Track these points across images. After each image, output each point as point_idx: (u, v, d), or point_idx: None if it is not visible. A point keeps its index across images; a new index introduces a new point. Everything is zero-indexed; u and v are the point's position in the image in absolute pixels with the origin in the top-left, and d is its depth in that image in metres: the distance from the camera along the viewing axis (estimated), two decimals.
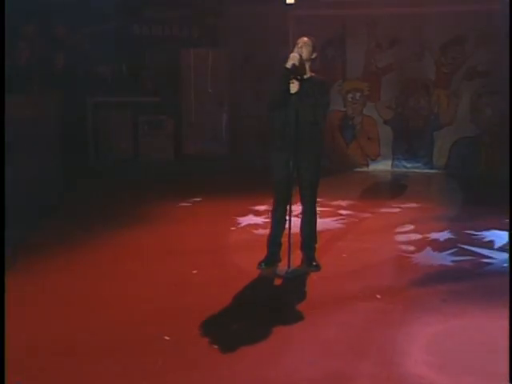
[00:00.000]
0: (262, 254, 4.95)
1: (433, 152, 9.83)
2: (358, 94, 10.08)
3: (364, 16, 9.78)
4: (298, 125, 4.62)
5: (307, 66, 4.73)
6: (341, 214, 6.88)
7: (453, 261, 5.20)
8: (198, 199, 7.69)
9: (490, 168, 9.31)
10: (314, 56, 4.77)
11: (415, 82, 9.81)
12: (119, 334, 3.77)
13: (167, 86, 10.28)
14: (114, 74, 10.41)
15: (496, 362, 3.32)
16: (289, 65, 4.55)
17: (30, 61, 8.72)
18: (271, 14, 9.63)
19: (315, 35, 4.96)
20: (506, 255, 5.25)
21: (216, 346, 3.57)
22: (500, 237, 5.78)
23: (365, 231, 6.27)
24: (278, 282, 4.75)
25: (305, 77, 4.68)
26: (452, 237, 5.90)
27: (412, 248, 5.58)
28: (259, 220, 6.44)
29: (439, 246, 5.61)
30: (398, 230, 6.22)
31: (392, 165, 10.05)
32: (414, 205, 7.36)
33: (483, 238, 5.85)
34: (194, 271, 4.93)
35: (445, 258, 5.27)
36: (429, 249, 5.54)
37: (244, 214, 6.76)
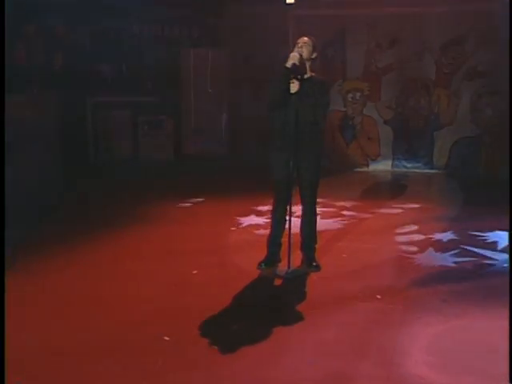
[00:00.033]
0: (262, 254, 4.95)
1: (433, 152, 9.82)
2: (358, 94, 10.07)
3: (364, 16, 9.78)
4: (298, 125, 4.61)
5: (307, 65, 4.72)
6: (341, 215, 6.87)
7: (454, 261, 5.19)
8: (199, 199, 7.67)
9: (490, 168, 9.30)
10: (314, 56, 4.77)
11: (415, 82, 9.80)
12: (119, 333, 3.77)
13: (167, 86, 10.27)
14: (114, 74, 10.41)
15: (496, 362, 3.32)
16: (289, 64, 4.55)
17: (29, 61, 8.72)
18: (271, 14, 9.63)
19: (315, 35, 4.95)
20: (507, 256, 5.24)
21: (216, 346, 3.57)
22: (503, 238, 5.74)
23: (365, 231, 6.26)
24: (278, 282, 4.75)
25: (305, 77, 4.67)
26: (454, 237, 5.89)
27: (412, 248, 5.57)
28: (261, 220, 6.43)
29: (441, 247, 5.60)
30: (399, 230, 6.21)
31: (392, 165, 10.04)
32: (414, 205, 7.34)
33: (486, 238, 5.83)
34: (194, 271, 4.92)
35: (446, 259, 5.26)
36: (430, 249, 5.53)
37: (246, 215, 6.75)
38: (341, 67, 10.05)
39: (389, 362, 3.41)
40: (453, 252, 5.42)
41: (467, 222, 6.41)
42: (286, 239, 4.81)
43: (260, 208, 6.90)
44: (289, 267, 4.80)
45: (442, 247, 5.59)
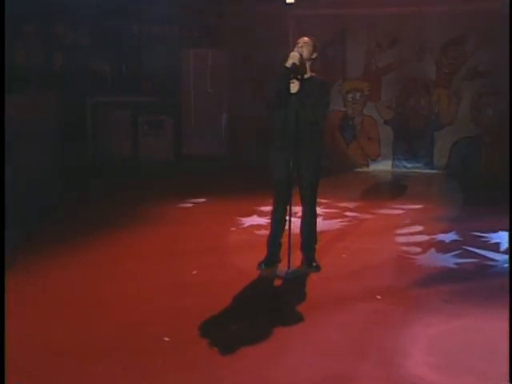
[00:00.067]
0: (262, 254, 4.94)
1: (433, 152, 9.82)
2: (358, 94, 10.07)
3: (364, 16, 9.77)
4: (298, 125, 4.61)
5: (307, 65, 4.71)
6: (341, 215, 6.86)
7: (455, 262, 5.17)
8: (199, 200, 7.67)
9: (491, 168, 9.29)
10: (314, 56, 4.76)
11: (415, 82, 9.80)
12: (119, 334, 3.77)
13: (167, 86, 10.27)
14: (114, 74, 10.41)
15: (497, 362, 3.31)
16: (289, 64, 4.54)
17: (28, 61, 8.72)
18: (271, 14, 9.63)
19: (315, 35, 4.94)
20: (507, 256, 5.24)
21: (216, 347, 3.57)
22: (504, 238, 5.70)
23: (365, 232, 6.26)
24: (277, 282, 4.74)
25: (305, 77, 4.66)
26: (455, 238, 5.87)
27: (413, 249, 5.56)
28: (263, 221, 6.39)
29: (442, 247, 5.59)
30: (400, 231, 6.20)
31: (392, 165, 10.04)
32: (415, 205, 7.33)
33: (488, 239, 5.81)
34: (194, 272, 4.92)
35: (447, 259, 5.24)
36: (431, 250, 5.51)
37: (248, 215, 6.72)
38: (341, 67, 10.05)
39: (389, 363, 3.40)
40: (454, 252, 5.41)
41: (468, 223, 6.40)
42: (286, 239, 4.81)
43: (262, 208, 6.86)
44: (289, 267, 4.79)
45: (442, 247, 5.58)
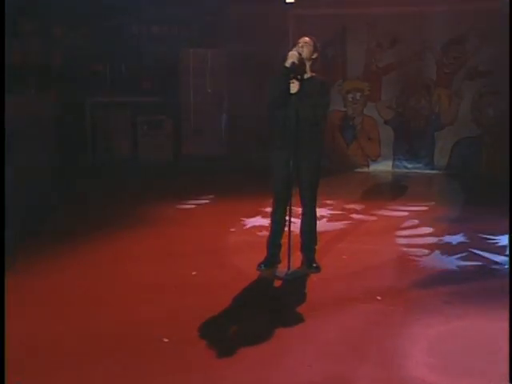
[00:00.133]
0: (262, 255, 4.93)
1: (434, 152, 9.81)
2: (359, 94, 10.06)
3: (364, 15, 9.77)
4: (298, 125, 4.59)
5: (308, 65, 4.70)
6: (341, 215, 6.86)
7: (456, 263, 5.15)
8: (200, 200, 7.66)
9: (492, 168, 9.28)
10: (314, 56, 4.74)
11: (416, 82, 9.79)
12: (119, 334, 3.76)
13: (167, 86, 10.26)
14: (114, 74, 10.40)
15: (497, 363, 3.30)
16: (288, 63, 4.52)
17: (27, 60, 8.71)
18: (271, 14, 9.62)
19: (315, 34, 4.92)
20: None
21: (215, 348, 3.55)
22: (505, 239, 5.69)
23: (365, 233, 6.24)
24: (277, 283, 4.72)
25: (305, 77, 4.65)
26: (456, 239, 5.84)
27: (413, 250, 5.54)
28: (266, 222, 6.31)
29: (442, 248, 5.57)
30: (401, 231, 6.19)
31: (393, 165, 10.03)
32: (416, 206, 7.30)
33: (489, 239, 5.79)
34: (194, 273, 4.91)
35: (448, 260, 5.23)
36: (431, 251, 5.50)
37: (251, 216, 6.67)
38: (341, 67, 10.04)
39: (389, 364, 3.39)
40: (455, 253, 5.39)
41: (469, 223, 6.38)
42: (286, 240, 4.79)
43: (268, 209, 6.80)
44: (289, 268, 4.78)
45: (443, 248, 5.57)
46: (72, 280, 4.76)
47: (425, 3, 9.35)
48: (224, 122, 10.61)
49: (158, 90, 10.25)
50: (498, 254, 5.36)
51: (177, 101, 10.43)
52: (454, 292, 4.48)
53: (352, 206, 7.32)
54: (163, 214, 6.98)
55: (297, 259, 4.93)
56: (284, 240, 4.87)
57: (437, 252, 5.46)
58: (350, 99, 10.09)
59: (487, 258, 5.26)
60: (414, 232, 6.16)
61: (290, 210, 4.76)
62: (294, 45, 4.74)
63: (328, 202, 7.15)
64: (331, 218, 6.65)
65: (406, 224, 6.47)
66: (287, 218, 4.79)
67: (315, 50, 4.73)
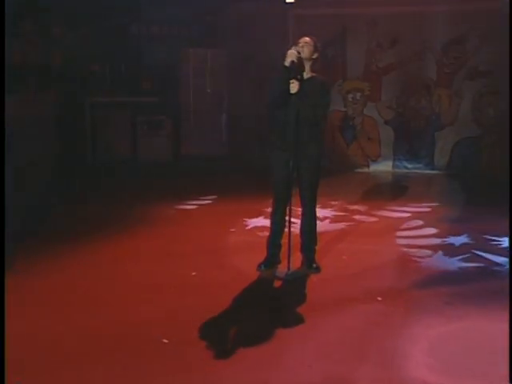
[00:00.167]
0: (262, 255, 4.92)
1: (434, 152, 9.80)
2: (359, 94, 10.05)
3: (364, 15, 9.76)
4: (298, 125, 4.59)
5: (308, 65, 4.69)
6: (341, 216, 6.85)
7: (457, 264, 5.14)
8: (200, 200, 7.65)
9: (492, 168, 9.26)
10: (315, 56, 4.73)
11: (416, 82, 9.78)
12: (119, 334, 3.75)
13: (166, 86, 10.26)
14: (113, 74, 10.39)
15: (497, 364, 3.29)
16: (287, 62, 4.52)
17: (27, 60, 8.71)
18: (271, 14, 9.62)
19: (315, 34, 4.92)
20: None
21: (215, 348, 3.55)
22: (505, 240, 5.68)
23: (366, 233, 6.23)
24: (277, 283, 4.72)
25: (305, 77, 4.65)
26: (457, 239, 5.82)
27: (414, 250, 5.53)
28: (268, 222, 6.29)
29: (443, 248, 5.56)
30: (401, 232, 6.17)
31: (393, 165, 10.02)
32: (417, 206, 7.28)
33: (490, 240, 5.77)
34: (194, 273, 4.90)
35: (449, 261, 5.21)
36: (431, 251, 5.48)
37: (254, 216, 6.64)
38: (341, 67, 10.04)
39: (389, 365, 3.38)
40: (457, 254, 5.37)
41: (469, 224, 6.37)
42: (286, 240, 4.79)
43: (270, 210, 6.77)
44: (289, 269, 4.77)
45: (445, 249, 5.55)
46: (72, 280, 4.75)
47: (425, 3, 9.35)
48: (224, 122, 10.60)
49: (157, 90, 10.25)
50: (501, 255, 5.34)
51: (177, 101, 10.43)
52: (454, 293, 4.46)
53: (352, 206, 7.30)
54: (163, 214, 6.97)
55: (297, 259, 4.92)
56: (284, 240, 4.87)
57: (439, 253, 5.44)
58: (350, 99, 10.08)
59: (489, 260, 5.25)
60: (414, 232, 6.15)
61: (290, 210, 4.75)
62: (295, 45, 4.73)
63: (329, 202, 7.14)
64: (331, 219, 6.64)
65: (407, 224, 6.46)
66: (287, 218, 4.78)
67: (316, 49, 4.72)
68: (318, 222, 5.06)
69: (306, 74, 4.68)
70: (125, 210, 7.10)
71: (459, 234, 5.97)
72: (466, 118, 9.59)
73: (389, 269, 5.14)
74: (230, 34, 10.18)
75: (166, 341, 3.63)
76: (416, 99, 9.81)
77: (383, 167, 10.05)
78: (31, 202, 6.64)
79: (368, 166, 10.12)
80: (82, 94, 9.87)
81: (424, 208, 7.24)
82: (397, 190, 8.83)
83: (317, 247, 5.00)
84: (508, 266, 4.99)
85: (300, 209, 4.93)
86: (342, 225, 6.48)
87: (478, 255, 5.36)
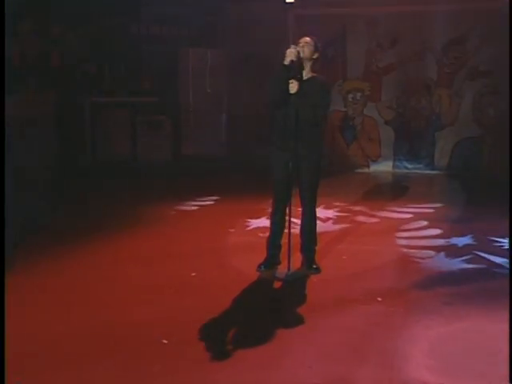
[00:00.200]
0: (262, 256, 4.92)
1: (434, 153, 9.80)
2: (359, 94, 10.05)
3: (364, 15, 9.76)
4: (298, 125, 4.58)
5: (308, 65, 4.69)
6: (341, 216, 6.84)
7: (457, 264, 5.12)
8: (201, 201, 7.64)
9: (493, 168, 9.26)
10: (315, 56, 4.72)
11: (416, 82, 9.78)
12: (118, 335, 3.75)
13: (166, 86, 10.25)
14: (113, 74, 10.39)
15: (497, 364, 3.29)
16: (287, 61, 4.51)
17: (26, 60, 8.70)
18: (271, 13, 9.61)
19: (315, 34, 4.91)
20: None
21: (215, 349, 3.54)
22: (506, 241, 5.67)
23: (366, 233, 6.22)
24: (277, 284, 4.71)
25: (306, 77, 4.64)
26: (458, 239, 5.81)
27: (414, 251, 5.52)
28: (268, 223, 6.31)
29: (443, 249, 5.55)
30: (402, 233, 6.16)
31: (393, 166, 10.02)
32: (418, 207, 7.27)
33: (491, 240, 5.76)
34: (193, 274, 4.89)
35: (449, 261, 5.20)
36: (432, 251, 5.47)
37: (257, 217, 6.61)
38: (341, 67, 10.03)
39: (389, 366, 3.37)
40: (457, 255, 5.36)
41: (470, 224, 6.37)
42: (286, 241, 4.78)
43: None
44: (289, 269, 4.76)
45: (445, 249, 5.54)
46: (72, 280, 4.75)
47: (425, 3, 9.34)
48: (224, 122, 10.60)
49: (157, 90, 10.24)
50: (502, 256, 5.33)
51: (176, 101, 10.42)
52: (454, 293, 4.46)
53: (352, 206, 7.29)
54: (163, 214, 6.97)
55: (297, 260, 4.92)
56: (284, 241, 4.86)
57: (439, 254, 5.43)
58: (350, 99, 10.08)
59: (491, 261, 5.23)
60: (414, 233, 6.14)
61: (290, 210, 4.75)
62: (295, 45, 4.72)
63: (330, 203, 7.13)
64: (331, 219, 6.64)
65: (407, 225, 6.45)
66: (287, 218, 4.77)
67: (316, 49, 4.71)
68: (319, 222, 5.06)
69: (307, 74, 4.67)
70: (125, 210, 7.10)
71: (461, 235, 5.95)
72: (467, 118, 9.59)
73: (389, 269, 5.13)
74: (230, 34, 10.18)
75: (165, 341, 3.62)
76: (416, 99, 9.81)
77: (383, 167, 10.04)
78: (31, 201, 6.63)
79: (368, 167, 10.12)
80: (81, 94, 9.87)
81: (425, 208, 7.23)
82: (397, 191, 8.83)
83: (317, 248, 4.99)
84: (508, 267, 4.99)
85: (300, 209, 4.92)
86: (342, 225, 6.47)
87: (480, 256, 5.34)
